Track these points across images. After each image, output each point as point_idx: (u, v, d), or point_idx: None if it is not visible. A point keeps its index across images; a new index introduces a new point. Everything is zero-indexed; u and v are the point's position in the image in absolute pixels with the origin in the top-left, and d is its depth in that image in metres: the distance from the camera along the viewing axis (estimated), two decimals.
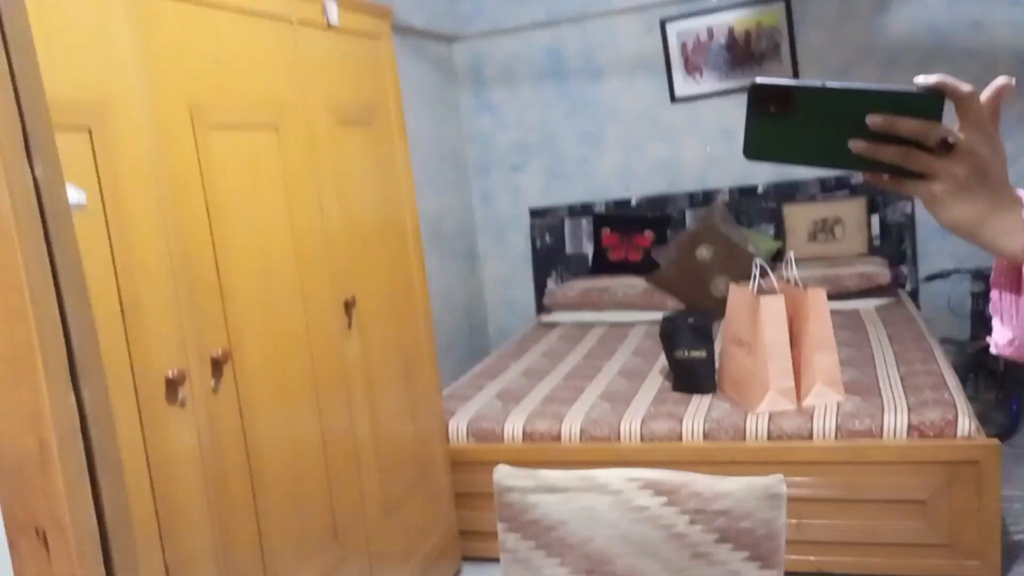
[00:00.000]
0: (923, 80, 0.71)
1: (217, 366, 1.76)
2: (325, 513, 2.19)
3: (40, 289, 0.78)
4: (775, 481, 1.24)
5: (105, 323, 1.48)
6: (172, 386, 1.61)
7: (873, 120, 0.71)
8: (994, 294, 0.83)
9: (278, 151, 2.04)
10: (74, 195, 0.98)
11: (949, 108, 0.71)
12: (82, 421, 0.76)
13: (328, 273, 2.23)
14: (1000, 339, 0.83)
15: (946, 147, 0.71)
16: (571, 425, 2.94)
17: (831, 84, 0.73)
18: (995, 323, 0.84)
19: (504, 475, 1.37)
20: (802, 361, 2.82)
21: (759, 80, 0.75)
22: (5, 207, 0.75)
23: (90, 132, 1.47)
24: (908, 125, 0.71)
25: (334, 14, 2.30)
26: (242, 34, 1.94)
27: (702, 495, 1.26)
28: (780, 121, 0.75)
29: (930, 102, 0.71)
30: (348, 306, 2.31)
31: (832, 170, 0.77)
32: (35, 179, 0.80)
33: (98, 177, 1.48)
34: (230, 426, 1.82)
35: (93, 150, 1.47)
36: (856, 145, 0.72)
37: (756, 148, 0.77)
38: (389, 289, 2.59)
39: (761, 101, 0.75)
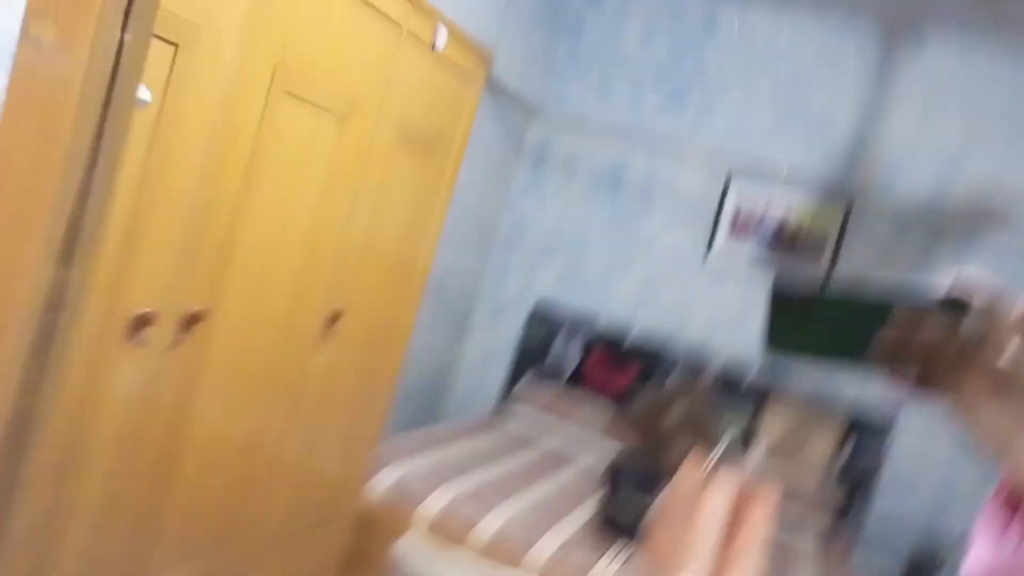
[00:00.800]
0: (940, 289, 0.71)
1: (190, 323, 1.73)
2: (221, 514, 2.11)
3: (78, 152, 0.76)
4: None
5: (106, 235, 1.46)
6: (138, 325, 1.58)
7: (886, 339, 0.71)
8: (991, 508, 0.75)
9: (336, 140, 2.05)
10: (143, 92, 0.97)
11: None
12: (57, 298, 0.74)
13: (327, 278, 2.22)
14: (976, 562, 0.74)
15: (967, 358, 0.70)
16: (490, 523, 2.87)
17: (847, 296, 0.74)
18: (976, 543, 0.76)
19: (410, 546, 1.32)
20: (728, 558, 2.77)
21: (779, 283, 0.76)
22: (81, 58, 0.74)
23: (176, 48, 1.48)
24: (923, 345, 0.70)
25: (443, 40, 2.34)
26: (353, 20, 1.98)
27: None
28: (800, 322, 0.75)
29: (951, 310, 0.71)
30: (332, 319, 2.29)
31: (854, 370, 0.76)
32: (121, 41, 0.79)
33: (164, 95, 1.48)
34: (172, 385, 1.77)
35: (172, 67, 1.48)
36: (887, 337, 0.72)
37: (777, 343, 0.77)
38: (376, 318, 2.57)
39: (781, 301, 0.76)
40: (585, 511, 3.19)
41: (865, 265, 4.40)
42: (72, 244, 0.76)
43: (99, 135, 0.78)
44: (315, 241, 2.10)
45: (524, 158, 4.98)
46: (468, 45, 2.56)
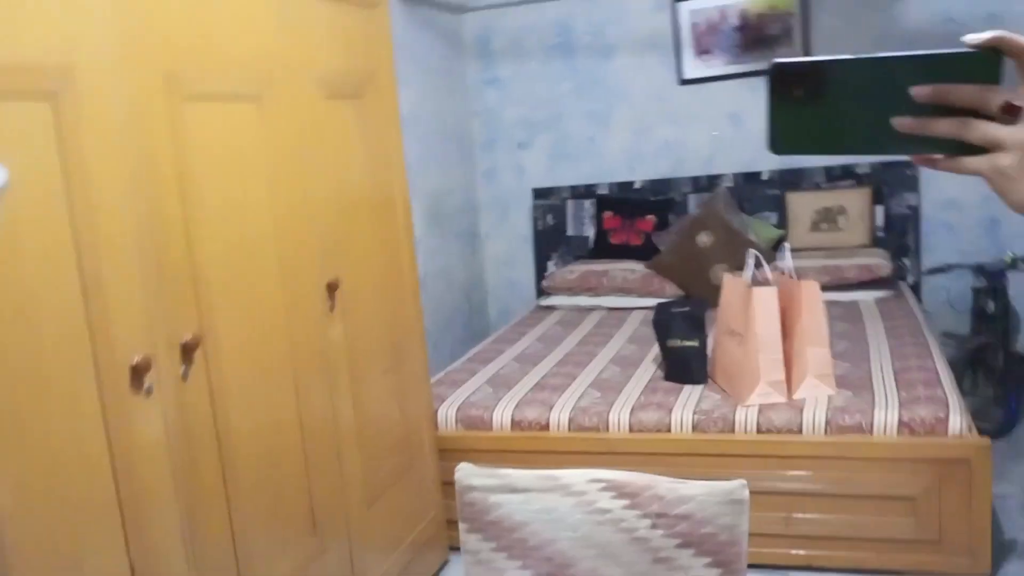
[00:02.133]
0: (975, 38, 0.62)
1: (187, 352, 1.74)
2: (303, 503, 2.16)
3: None
4: (738, 486, 1.20)
5: (65, 305, 1.46)
6: (137, 373, 1.58)
7: (920, 92, 0.62)
8: None
9: (260, 124, 1.99)
10: None
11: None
12: None
13: (311, 253, 2.20)
14: None
15: (1011, 112, 0.61)
16: (559, 414, 2.91)
17: (863, 56, 0.64)
18: None
19: (466, 473, 1.34)
20: (794, 354, 2.78)
21: (779, 60, 0.66)
22: None
23: (54, 100, 1.43)
24: (963, 93, 0.61)
25: None
26: None
27: (665, 499, 1.23)
28: (808, 107, 0.65)
29: (985, 63, 0.62)
30: (332, 288, 2.28)
31: (875, 155, 0.66)
32: None
33: (60, 148, 1.44)
34: (201, 415, 1.79)
35: (56, 117, 1.43)
36: (902, 123, 0.63)
37: (784, 141, 0.67)
38: (376, 271, 2.56)
39: (784, 86, 0.66)
40: (644, 371, 3.21)
41: (838, 34, 4.25)
42: None
43: None
44: (281, 223, 2.07)
45: (469, 55, 4.84)
46: None
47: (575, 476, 1.28)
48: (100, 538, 1.53)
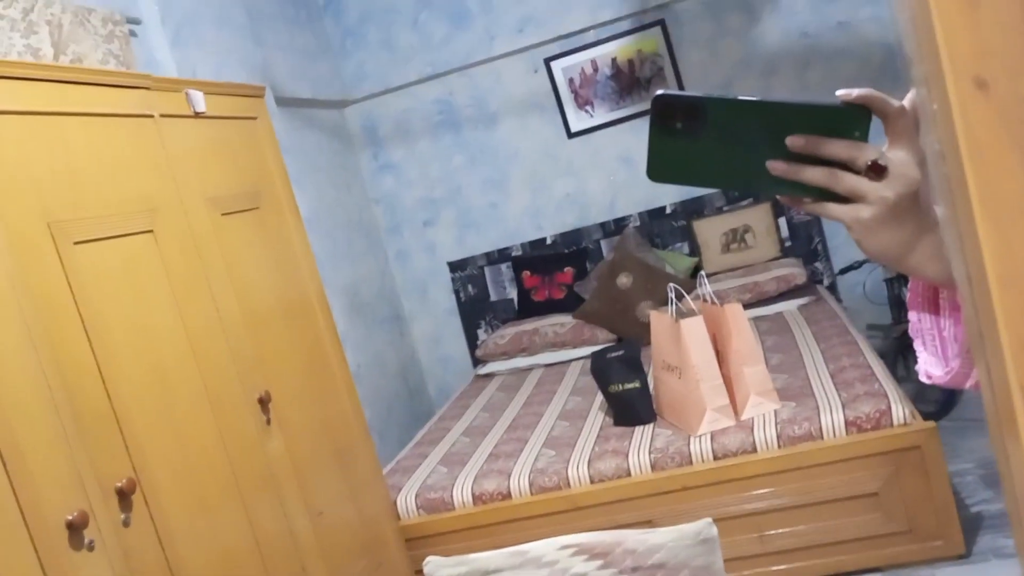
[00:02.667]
0: (846, 94, 0.65)
1: (124, 497, 1.67)
2: None
3: None
4: (704, 526, 1.20)
5: None
6: (75, 530, 1.51)
7: (794, 142, 0.65)
8: (912, 316, 0.76)
9: (157, 255, 1.95)
10: None
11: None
12: None
13: (235, 372, 2.15)
14: (931, 369, 0.75)
15: (876, 171, 0.65)
16: (519, 480, 2.88)
17: (744, 97, 0.66)
18: (918, 348, 0.76)
19: (435, 567, 1.31)
20: (732, 376, 2.82)
21: (662, 92, 0.67)
22: None
23: None
24: (835, 147, 0.64)
25: (200, 102, 2.23)
26: (99, 138, 1.85)
27: (636, 551, 1.22)
28: (688, 139, 0.67)
29: (855, 119, 0.64)
30: (263, 402, 2.23)
31: (746, 192, 0.68)
32: None
33: None
34: (150, 558, 1.71)
35: None
36: (775, 167, 0.66)
37: (661, 169, 0.68)
38: (306, 375, 2.51)
39: (666, 117, 0.67)
40: (594, 421, 3.21)
41: (705, 65, 4.43)
42: None
43: None
44: (198, 348, 2.02)
45: (358, 146, 4.88)
46: (232, 89, 2.46)
47: (544, 547, 1.26)
48: None
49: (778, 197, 0.70)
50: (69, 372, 1.61)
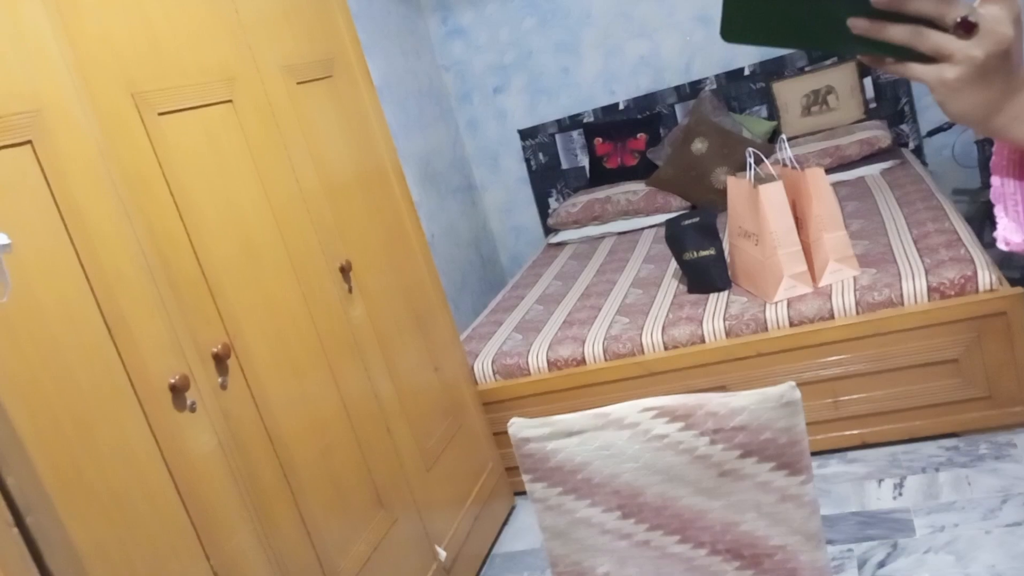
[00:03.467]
0: None
1: (220, 361, 1.75)
2: (365, 481, 2.20)
3: None
4: (787, 389, 1.21)
5: (93, 341, 1.46)
6: (178, 392, 1.60)
7: None
8: (995, 180, 0.73)
9: (237, 125, 1.97)
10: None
11: None
12: (16, 513, 0.74)
13: (316, 241, 2.19)
14: (1010, 236, 0.73)
15: (965, 28, 0.61)
16: (593, 346, 2.92)
17: None
18: (999, 214, 0.74)
19: (519, 427, 1.35)
20: (811, 242, 2.77)
21: None
22: None
23: (32, 145, 1.41)
24: (922, 3, 0.61)
25: None
26: (175, 6, 1.85)
27: (718, 414, 1.24)
28: None
29: None
30: (344, 270, 2.28)
31: (826, 51, 0.66)
32: None
33: (50, 191, 1.43)
34: (247, 419, 1.81)
35: (39, 163, 1.42)
36: (857, 24, 0.63)
37: (736, 28, 0.66)
38: (385, 244, 2.56)
39: None
40: (667, 289, 3.21)
41: None
42: None
43: None
44: (280, 218, 2.06)
45: (427, 10, 4.76)
46: None
47: (626, 409, 1.29)
48: (180, 557, 1.56)
49: (859, 57, 0.67)
50: (162, 242, 1.66)
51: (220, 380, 1.74)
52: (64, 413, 1.39)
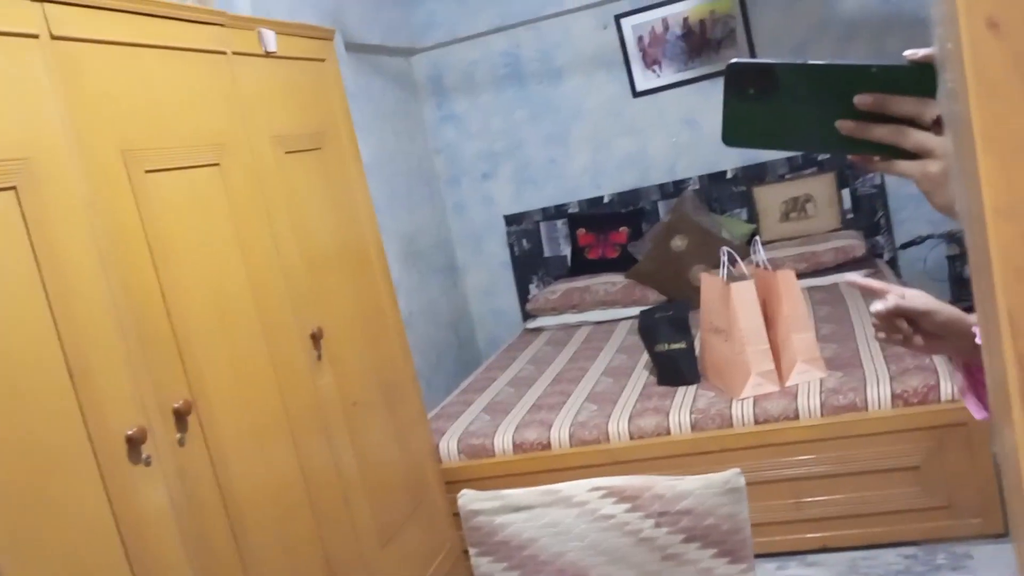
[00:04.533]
0: (913, 54, 0.67)
1: (180, 418, 1.75)
2: (317, 552, 2.17)
3: None
4: (733, 475, 1.23)
5: (54, 388, 1.47)
6: (134, 444, 1.59)
7: (862, 100, 0.67)
8: (963, 376, 0.81)
9: (223, 188, 2.02)
10: None
11: None
12: None
13: (290, 307, 2.22)
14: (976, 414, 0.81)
15: (942, 124, 0.66)
16: (559, 431, 2.93)
17: (814, 61, 0.69)
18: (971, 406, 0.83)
19: (469, 499, 1.36)
20: (780, 342, 2.81)
21: (736, 61, 0.71)
22: None
23: (16, 191, 1.45)
24: (902, 104, 0.67)
25: (271, 41, 2.28)
26: (174, 72, 1.92)
27: (664, 497, 1.25)
28: (761, 104, 0.70)
29: (923, 77, 0.66)
30: (315, 338, 2.30)
31: (817, 152, 0.74)
32: None
33: (29, 236, 1.46)
34: (202, 478, 1.80)
35: (21, 209, 1.45)
36: (844, 126, 0.68)
37: (736, 133, 0.72)
38: (358, 316, 2.58)
39: (739, 83, 0.71)
40: (637, 379, 3.24)
41: (780, 29, 4.34)
42: None
43: None
44: (256, 281, 2.09)
45: (423, 95, 4.90)
46: (303, 31, 2.50)
47: (575, 487, 1.30)
48: None
49: (849, 157, 0.73)
50: (136, 297, 1.69)
51: (178, 436, 1.74)
52: (18, 450, 1.38)
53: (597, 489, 1.29)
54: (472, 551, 1.35)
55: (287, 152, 2.32)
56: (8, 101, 1.47)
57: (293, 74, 2.43)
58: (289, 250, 2.25)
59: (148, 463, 1.63)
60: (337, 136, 2.62)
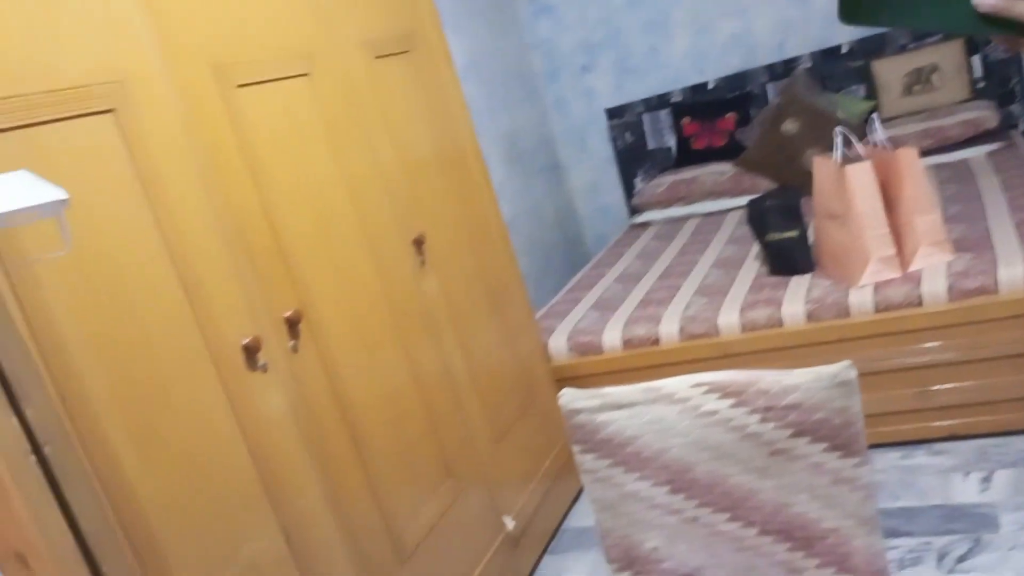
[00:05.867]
0: None
1: (292, 326, 1.81)
2: (433, 451, 2.24)
3: None
4: (843, 368, 1.17)
5: (170, 302, 1.53)
6: (250, 353, 1.66)
7: None
8: None
9: (314, 97, 2.02)
10: (46, 194, 0.97)
11: None
12: (34, 442, 0.78)
13: (391, 214, 2.23)
14: None
15: None
16: (669, 326, 2.89)
17: None
18: None
19: (570, 398, 1.36)
20: (901, 226, 2.66)
21: None
22: None
23: (114, 113, 1.48)
24: None
25: None
26: None
27: (770, 392, 1.21)
28: None
29: None
30: (418, 243, 2.32)
31: (949, 32, 0.62)
32: None
33: (131, 158, 1.50)
34: (317, 383, 1.87)
35: (122, 130, 1.49)
36: (983, 3, 0.60)
37: (854, 9, 0.63)
38: (460, 220, 2.58)
39: None
40: (748, 271, 3.14)
41: None
42: (11, 387, 0.80)
43: None
44: (354, 190, 2.11)
45: None
46: None
47: (677, 383, 1.28)
48: (249, 514, 1.62)
49: (992, 39, 0.63)
50: (238, 210, 1.73)
51: (291, 343, 1.80)
52: (140, 371, 1.46)
53: (699, 385, 1.26)
54: (575, 448, 1.36)
55: (377, 56, 2.29)
56: (99, 27, 1.49)
57: None
58: (386, 157, 2.25)
59: (265, 369, 1.70)
60: (426, 37, 2.57)
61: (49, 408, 0.85)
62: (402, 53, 2.42)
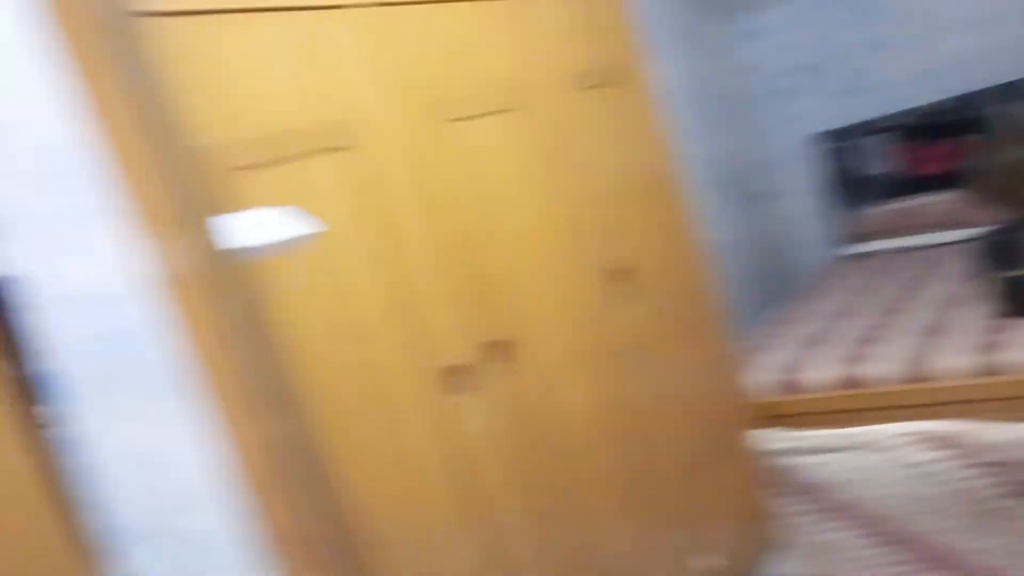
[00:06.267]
0: None
1: (501, 351, 1.90)
2: (625, 481, 2.26)
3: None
4: None
5: (388, 322, 1.67)
6: (458, 374, 1.77)
7: None
8: None
9: (520, 130, 2.10)
10: (289, 230, 1.10)
11: None
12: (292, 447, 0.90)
13: (594, 243, 2.29)
14: None
15: None
16: (879, 367, 2.75)
17: None
18: None
19: (771, 439, 1.35)
20: None
21: None
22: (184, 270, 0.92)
23: (342, 152, 1.64)
24: None
25: None
26: (470, 25, 2.03)
27: (985, 444, 1.15)
28: None
29: None
30: (619, 274, 2.36)
31: None
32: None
33: (359, 191, 1.65)
34: (523, 407, 1.95)
35: (349, 165, 1.65)
36: None
37: None
38: (663, 249, 2.59)
39: None
40: (973, 310, 2.93)
41: None
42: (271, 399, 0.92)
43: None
44: (556, 217, 2.17)
45: (719, 13, 4.68)
46: None
47: (881, 432, 1.24)
48: (453, 526, 1.73)
49: None
50: (453, 239, 1.85)
51: (500, 368, 1.90)
52: (363, 383, 1.60)
53: (905, 435, 1.21)
54: (772, 490, 1.35)
55: (581, 88, 2.36)
56: (325, 70, 1.66)
57: (579, 8, 2.45)
58: (589, 187, 2.31)
59: (470, 391, 1.80)
60: (627, 67, 2.61)
61: (302, 420, 0.98)
62: (605, 84, 2.48)
